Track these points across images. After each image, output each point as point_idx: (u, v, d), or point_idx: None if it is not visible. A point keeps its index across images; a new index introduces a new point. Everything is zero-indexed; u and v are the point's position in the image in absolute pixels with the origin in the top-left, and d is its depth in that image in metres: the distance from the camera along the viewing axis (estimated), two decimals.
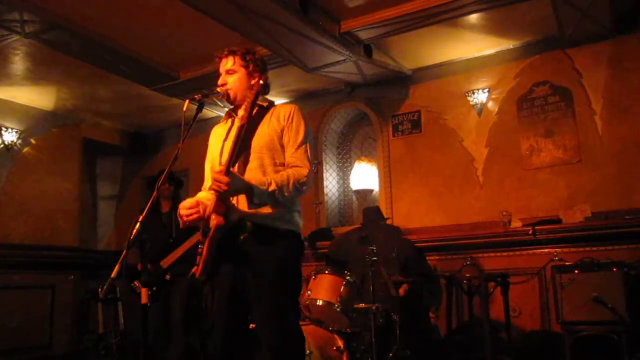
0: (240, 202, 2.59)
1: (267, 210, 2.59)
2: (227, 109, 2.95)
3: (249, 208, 2.53)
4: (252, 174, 2.60)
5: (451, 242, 5.70)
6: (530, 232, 5.21)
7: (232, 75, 2.81)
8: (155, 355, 4.97)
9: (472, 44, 5.79)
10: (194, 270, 2.62)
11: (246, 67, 2.83)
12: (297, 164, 2.66)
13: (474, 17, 5.15)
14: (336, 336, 4.19)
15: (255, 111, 2.67)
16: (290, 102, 7.02)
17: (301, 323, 4.10)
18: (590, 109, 5.38)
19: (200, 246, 2.60)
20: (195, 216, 2.59)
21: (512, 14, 5.11)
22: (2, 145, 6.81)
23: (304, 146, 2.71)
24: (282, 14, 4.64)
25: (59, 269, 7.17)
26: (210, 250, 2.52)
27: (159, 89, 6.41)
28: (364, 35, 5.35)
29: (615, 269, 4.28)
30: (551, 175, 5.49)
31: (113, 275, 2.25)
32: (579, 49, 5.48)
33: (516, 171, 5.67)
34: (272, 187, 2.50)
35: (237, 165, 2.59)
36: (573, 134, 5.44)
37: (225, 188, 2.41)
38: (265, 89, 2.84)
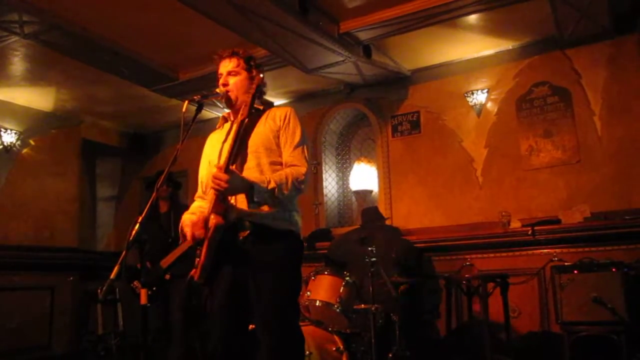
0: (239, 202, 2.59)
1: (266, 209, 2.59)
2: (225, 109, 2.95)
3: (249, 207, 2.54)
4: (250, 173, 2.61)
5: (450, 242, 5.69)
6: (530, 233, 5.21)
7: (234, 76, 2.82)
8: (155, 356, 4.97)
9: (471, 45, 5.80)
10: (192, 273, 2.62)
11: (248, 71, 2.85)
12: (295, 163, 2.67)
13: (472, 18, 5.16)
14: (335, 337, 4.20)
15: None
16: (290, 103, 7.02)
17: (300, 323, 4.11)
18: (589, 109, 5.39)
19: (198, 248, 2.60)
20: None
21: (510, 15, 5.11)
22: (1, 146, 6.80)
23: (301, 146, 2.73)
24: (281, 14, 4.64)
25: (58, 269, 7.15)
26: (209, 251, 2.53)
27: (158, 90, 6.41)
28: (363, 35, 5.36)
29: (614, 269, 4.28)
30: (550, 176, 5.49)
31: (112, 276, 2.25)
32: (577, 49, 5.49)
33: (515, 171, 5.67)
34: (272, 185, 2.51)
35: (234, 165, 2.59)
36: (572, 134, 5.44)
37: (225, 186, 2.41)
38: (261, 92, 2.84)
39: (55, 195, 7.37)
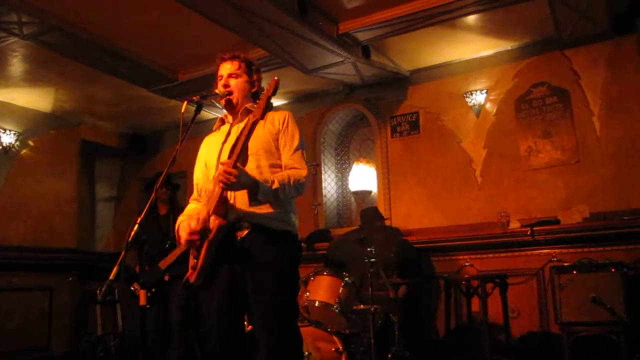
0: (237, 202, 2.60)
1: (264, 209, 2.60)
2: (224, 110, 2.95)
3: (250, 205, 2.54)
4: (250, 174, 2.60)
5: (449, 242, 5.69)
6: (529, 233, 5.21)
7: (234, 78, 2.83)
8: (154, 356, 4.96)
9: (469, 45, 5.80)
10: (187, 275, 2.62)
11: (248, 74, 2.86)
12: (295, 166, 2.68)
13: (471, 18, 5.16)
14: (335, 337, 4.19)
15: (249, 116, 2.69)
16: (289, 103, 7.02)
17: (300, 324, 4.11)
18: (588, 109, 5.39)
19: (195, 253, 2.59)
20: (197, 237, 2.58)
21: (509, 15, 5.12)
22: (0, 147, 6.80)
23: (300, 150, 2.75)
24: (280, 15, 4.64)
25: (57, 270, 7.14)
26: (208, 253, 2.52)
27: (157, 91, 6.41)
28: (361, 36, 5.36)
29: (613, 270, 4.28)
30: (549, 176, 5.49)
31: (111, 276, 2.24)
32: (576, 50, 5.49)
33: (514, 172, 5.68)
34: (275, 185, 2.53)
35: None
36: (571, 135, 5.45)
37: (234, 180, 2.42)
38: (259, 95, 2.84)
39: (55, 196, 7.36)
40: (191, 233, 2.56)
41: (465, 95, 5.99)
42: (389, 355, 4.32)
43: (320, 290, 4.20)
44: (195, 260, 2.59)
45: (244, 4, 4.52)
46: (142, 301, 2.75)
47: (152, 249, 5.07)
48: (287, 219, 2.69)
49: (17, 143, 6.97)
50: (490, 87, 5.94)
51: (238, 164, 2.49)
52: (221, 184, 2.46)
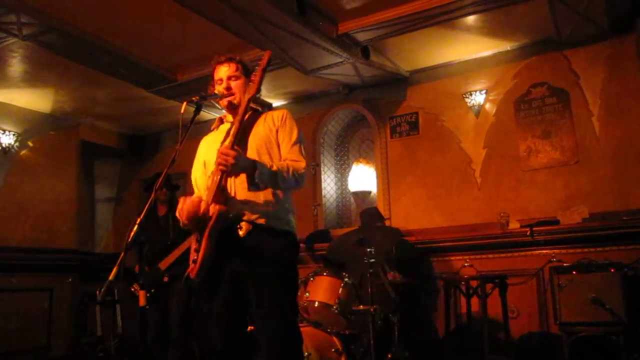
0: (238, 193, 2.61)
1: (264, 207, 2.61)
2: (224, 110, 2.96)
3: (249, 190, 2.54)
4: None
5: (449, 243, 5.70)
6: (528, 233, 5.21)
7: (234, 80, 2.85)
8: (154, 357, 4.96)
9: (469, 46, 5.80)
10: (188, 270, 2.62)
11: (246, 75, 2.88)
12: (293, 158, 2.71)
13: (471, 19, 5.16)
14: (334, 338, 4.19)
15: (248, 114, 2.74)
16: (288, 104, 7.01)
17: (299, 324, 4.11)
18: (587, 110, 5.40)
19: (196, 246, 2.59)
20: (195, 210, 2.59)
21: (509, 16, 5.12)
22: (0, 148, 6.80)
23: (298, 144, 2.78)
24: (279, 15, 4.64)
25: (57, 271, 7.14)
26: (210, 242, 2.51)
27: (156, 91, 6.41)
28: (361, 36, 5.36)
29: (612, 270, 4.28)
30: (548, 176, 5.50)
31: (111, 277, 2.24)
32: (575, 50, 5.50)
33: (514, 172, 5.68)
34: (274, 168, 2.55)
35: None
36: (570, 135, 5.45)
37: (232, 161, 2.43)
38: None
39: (54, 197, 7.36)
40: (192, 204, 2.57)
41: (464, 96, 6.00)
42: (389, 356, 4.32)
43: (320, 290, 4.21)
44: (196, 254, 2.59)
45: (243, 5, 4.52)
46: (142, 302, 2.75)
47: (152, 249, 5.08)
48: (287, 219, 2.70)
49: (17, 144, 6.97)
50: (490, 87, 5.94)
51: (236, 147, 2.50)
52: (220, 168, 2.47)
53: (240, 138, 2.63)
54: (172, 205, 5.31)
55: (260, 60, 2.70)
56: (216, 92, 2.85)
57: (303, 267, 5.46)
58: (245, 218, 2.59)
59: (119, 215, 8.48)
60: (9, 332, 6.38)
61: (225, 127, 2.90)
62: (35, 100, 6.88)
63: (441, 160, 6.11)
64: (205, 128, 3.14)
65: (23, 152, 7.09)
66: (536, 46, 5.72)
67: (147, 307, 4.45)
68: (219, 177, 2.52)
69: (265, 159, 2.66)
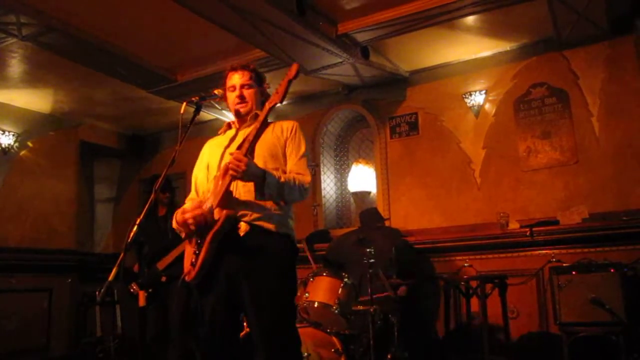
0: (239, 194, 2.62)
1: (263, 210, 2.61)
2: (224, 111, 2.97)
3: (256, 199, 2.55)
4: None
5: (449, 243, 5.69)
6: (528, 234, 5.22)
7: (247, 89, 2.86)
8: (153, 358, 4.96)
9: (468, 46, 5.80)
10: (185, 273, 2.62)
11: (259, 84, 2.90)
12: (300, 172, 2.72)
13: (470, 19, 5.17)
14: (334, 338, 4.19)
15: (266, 114, 2.73)
16: (288, 104, 7.00)
17: (299, 325, 4.10)
18: (586, 110, 5.40)
19: (195, 248, 2.59)
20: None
21: (508, 16, 5.12)
22: None
23: (305, 158, 2.79)
24: (278, 16, 4.64)
25: (57, 271, 7.14)
26: (211, 246, 2.52)
27: (156, 92, 6.41)
28: (360, 37, 5.36)
29: (612, 270, 4.28)
30: (548, 177, 5.50)
31: (110, 277, 2.24)
32: (575, 51, 5.50)
33: (513, 172, 5.68)
34: (282, 179, 2.57)
35: None
36: (570, 135, 5.45)
37: (243, 168, 2.43)
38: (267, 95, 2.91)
39: (54, 197, 7.36)
40: (195, 208, 2.59)
41: (464, 96, 6.00)
42: (389, 356, 4.32)
43: (320, 291, 4.20)
44: (194, 256, 2.58)
45: (243, 5, 4.52)
46: (142, 302, 2.75)
47: (152, 249, 5.09)
48: (286, 221, 2.70)
49: (16, 144, 6.97)
50: (489, 87, 5.94)
51: (248, 155, 2.51)
52: (231, 172, 2.47)
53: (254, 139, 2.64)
54: (172, 206, 5.33)
55: (289, 70, 2.68)
56: (216, 92, 2.86)
57: (303, 268, 5.46)
58: (244, 219, 2.59)
59: (118, 216, 8.49)
60: (8, 332, 6.38)
61: (231, 132, 2.91)
62: (34, 100, 6.88)
63: (441, 161, 6.11)
64: (205, 128, 3.15)
65: (22, 152, 7.09)
66: (536, 46, 5.72)
67: (146, 306, 4.45)
68: (228, 182, 2.52)
69: (269, 167, 2.66)
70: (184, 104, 2.78)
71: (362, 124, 7.14)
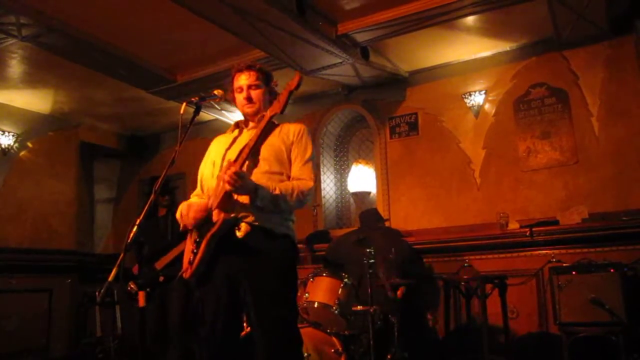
0: (241, 199, 2.62)
1: (264, 211, 2.61)
2: (223, 111, 2.98)
3: (250, 208, 2.57)
4: (258, 178, 2.63)
5: (448, 243, 5.69)
6: (528, 234, 5.21)
7: (254, 89, 2.87)
8: (153, 358, 4.96)
9: (468, 46, 5.80)
10: (183, 270, 2.63)
11: (267, 84, 2.91)
12: (302, 177, 2.73)
13: (470, 19, 5.17)
14: (334, 338, 4.19)
15: (267, 111, 2.78)
16: (288, 105, 6.99)
17: (299, 325, 4.11)
18: (586, 110, 5.40)
19: (193, 247, 2.60)
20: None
21: (508, 16, 5.12)
22: None
23: (310, 162, 2.79)
24: (278, 16, 4.64)
25: (56, 272, 7.14)
26: (208, 247, 2.53)
27: (156, 92, 6.40)
28: (360, 37, 5.36)
29: (612, 270, 4.28)
30: (548, 177, 5.50)
31: (110, 278, 2.24)
32: (575, 51, 5.50)
33: (513, 172, 5.68)
34: (276, 192, 2.57)
35: (245, 167, 2.64)
36: (569, 135, 5.45)
37: (240, 182, 2.46)
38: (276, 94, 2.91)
39: (53, 198, 7.36)
40: (199, 210, 2.62)
41: (464, 96, 6.00)
42: (389, 356, 4.32)
43: (320, 291, 4.20)
44: (192, 255, 2.59)
45: (242, 5, 4.52)
46: (142, 302, 2.75)
47: (151, 250, 5.09)
48: (286, 223, 2.71)
49: (16, 145, 6.97)
50: (489, 87, 5.94)
51: (242, 169, 2.55)
52: (224, 186, 2.50)
53: (253, 147, 2.66)
54: (172, 206, 5.34)
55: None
56: (215, 92, 2.86)
57: (303, 268, 5.46)
58: (245, 220, 2.59)
59: (118, 216, 8.49)
60: (8, 333, 6.38)
61: (236, 133, 2.92)
62: (34, 101, 6.88)
63: (440, 161, 6.11)
64: (205, 129, 3.15)
65: (22, 153, 7.09)
66: (535, 47, 5.72)
67: (144, 305, 4.45)
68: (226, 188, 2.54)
69: (273, 170, 2.69)
70: (184, 104, 2.78)
71: (361, 124, 7.14)
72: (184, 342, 4.97)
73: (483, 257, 5.51)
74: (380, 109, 6.63)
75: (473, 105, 5.95)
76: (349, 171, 6.98)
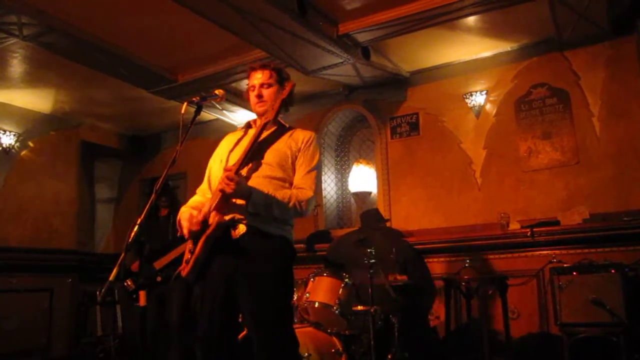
0: (238, 201, 2.61)
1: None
2: (224, 111, 2.97)
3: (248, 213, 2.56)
4: (258, 183, 2.62)
5: (449, 243, 5.69)
6: (529, 234, 5.21)
7: (266, 88, 2.85)
8: (153, 357, 4.96)
9: (469, 46, 5.80)
10: (180, 269, 2.63)
11: (280, 83, 2.87)
12: (303, 187, 2.71)
13: (471, 19, 5.17)
14: (335, 338, 4.19)
15: (275, 127, 2.78)
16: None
17: (300, 325, 4.11)
18: (587, 110, 5.39)
19: (191, 246, 2.60)
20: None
21: (509, 16, 5.12)
22: (0, 148, 6.80)
23: (314, 172, 2.78)
24: (279, 16, 4.64)
25: (57, 271, 7.14)
26: (204, 248, 2.54)
27: (157, 92, 6.41)
28: (361, 37, 5.36)
29: (613, 271, 4.28)
30: (549, 177, 5.50)
31: (111, 277, 2.24)
32: (576, 51, 5.49)
33: (514, 173, 5.68)
34: (271, 199, 2.56)
35: (245, 170, 2.64)
36: (571, 136, 5.45)
37: (233, 187, 2.45)
38: (291, 100, 2.84)
39: (54, 197, 7.37)
40: (194, 223, 2.59)
41: (465, 96, 6.00)
42: (389, 357, 4.31)
43: (320, 291, 4.20)
44: (190, 254, 2.60)
45: (243, 5, 4.52)
46: (142, 302, 2.75)
47: (152, 249, 5.09)
48: (283, 225, 2.70)
49: (17, 144, 6.98)
50: (490, 88, 5.94)
51: (240, 172, 2.54)
52: (220, 190, 2.50)
53: (257, 150, 2.66)
54: (174, 206, 5.34)
55: (283, 89, 2.72)
56: (216, 92, 2.86)
57: (303, 268, 5.46)
58: (242, 221, 2.59)
59: (119, 216, 8.49)
60: (8, 332, 6.38)
61: (241, 132, 2.92)
62: (35, 100, 6.89)
63: (441, 161, 6.11)
64: (205, 128, 3.15)
65: (23, 152, 7.10)
66: (537, 47, 5.72)
67: (143, 305, 4.46)
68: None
69: (275, 175, 2.68)
70: (185, 104, 2.78)
71: (362, 125, 7.13)
72: (184, 341, 4.96)
73: (484, 257, 5.51)
74: (381, 109, 6.63)
75: (474, 106, 5.95)
76: (349, 171, 6.98)
